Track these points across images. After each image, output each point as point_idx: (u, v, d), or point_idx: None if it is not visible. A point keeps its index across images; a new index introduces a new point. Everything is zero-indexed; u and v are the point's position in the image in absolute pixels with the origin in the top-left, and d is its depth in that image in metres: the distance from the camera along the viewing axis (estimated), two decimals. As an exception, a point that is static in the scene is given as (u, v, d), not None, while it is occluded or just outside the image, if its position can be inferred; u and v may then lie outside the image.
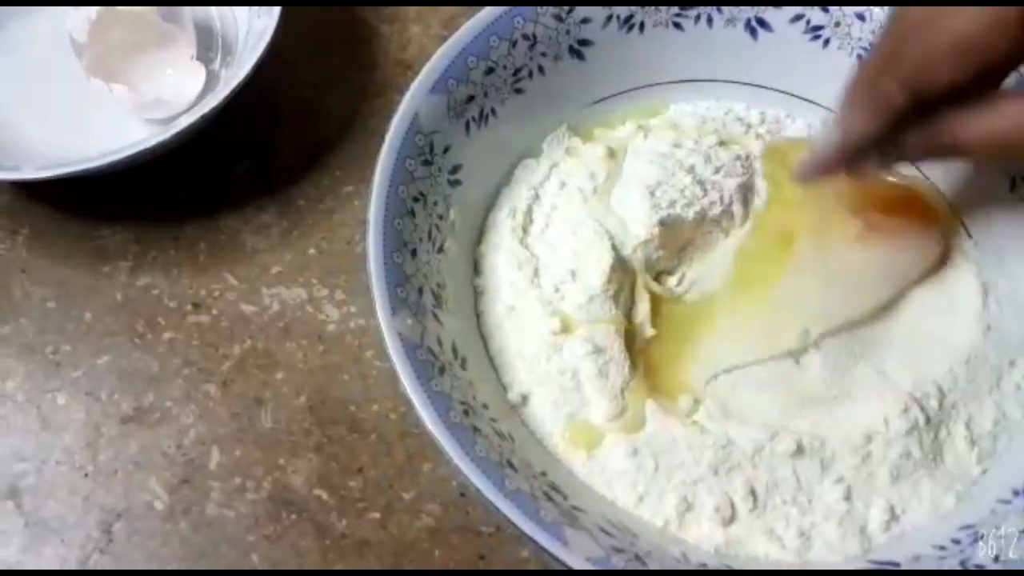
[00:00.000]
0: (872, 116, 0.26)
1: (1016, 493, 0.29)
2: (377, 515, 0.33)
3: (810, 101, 0.39)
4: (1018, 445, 0.32)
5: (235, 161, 0.41)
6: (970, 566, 0.27)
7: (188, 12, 0.40)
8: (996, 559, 0.27)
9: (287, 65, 0.42)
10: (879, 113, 0.26)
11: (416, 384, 0.28)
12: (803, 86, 0.38)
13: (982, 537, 0.28)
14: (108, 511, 0.34)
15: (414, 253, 0.32)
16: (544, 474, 0.29)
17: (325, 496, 0.34)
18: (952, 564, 0.27)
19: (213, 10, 0.43)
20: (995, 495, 0.30)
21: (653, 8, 0.37)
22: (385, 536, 0.33)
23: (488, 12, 0.35)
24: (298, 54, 0.43)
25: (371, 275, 0.29)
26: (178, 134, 0.35)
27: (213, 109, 0.36)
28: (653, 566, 0.26)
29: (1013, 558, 0.27)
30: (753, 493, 0.30)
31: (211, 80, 0.41)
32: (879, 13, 0.37)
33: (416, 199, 0.32)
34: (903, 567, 0.28)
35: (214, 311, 0.38)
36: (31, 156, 0.38)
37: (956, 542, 0.28)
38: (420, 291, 0.31)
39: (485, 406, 0.30)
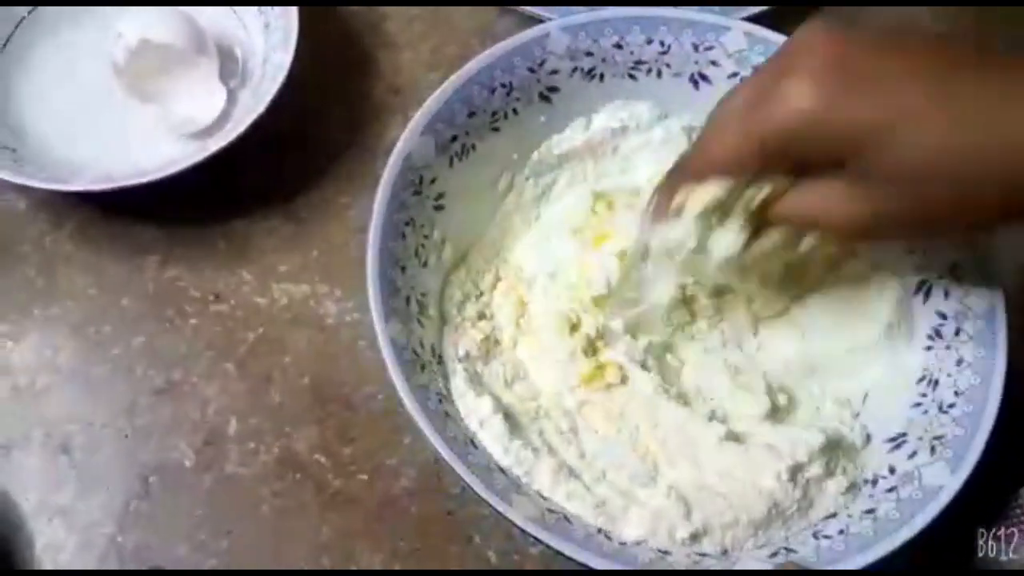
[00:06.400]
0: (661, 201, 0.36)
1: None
2: (365, 477, 0.41)
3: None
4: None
5: (248, 173, 0.47)
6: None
7: (212, 41, 0.47)
8: (841, 532, 0.35)
9: (294, 90, 0.48)
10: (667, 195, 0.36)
11: (402, 379, 0.35)
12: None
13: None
14: (145, 466, 0.41)
15: (403, 269, 0.39)
16: (501, 450, 0.37)
17: (323, 460, 0.41)
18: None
19: (234, 36, 0.49)
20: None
21: (613, 62, 0.44)
22: (370, 493, 0.41)
23: (472, 65, 0.42)
24: (303, 79, 0.49)
25: (369, 289, 0.36)
26: (208, 157, 0.42)
27: (238, 135, 0.42)
28: (578, 526, 0.34)
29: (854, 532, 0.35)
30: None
31: (231, 98, 0.48)
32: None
33: (407, 223, 0.39)
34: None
35: (232, 302, 0.45)
36: (80, 168, 0.44)
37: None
38: (407, 301, 0.38)
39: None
